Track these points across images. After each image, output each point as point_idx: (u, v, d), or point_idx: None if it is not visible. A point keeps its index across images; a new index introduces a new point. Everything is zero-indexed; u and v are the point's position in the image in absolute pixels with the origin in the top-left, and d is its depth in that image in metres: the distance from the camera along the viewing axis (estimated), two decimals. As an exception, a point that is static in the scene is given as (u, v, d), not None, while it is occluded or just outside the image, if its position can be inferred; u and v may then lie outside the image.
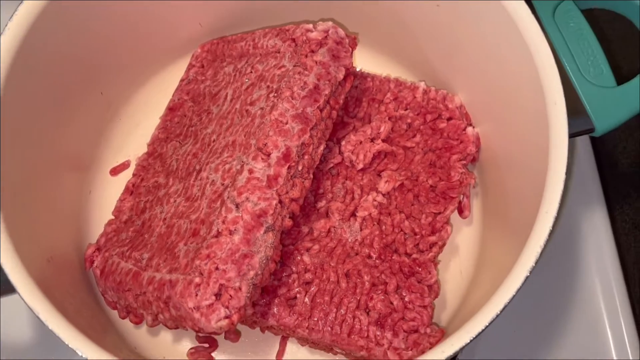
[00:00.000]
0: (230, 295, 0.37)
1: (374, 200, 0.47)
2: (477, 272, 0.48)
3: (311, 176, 0.43)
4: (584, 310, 0.54)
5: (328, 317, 0.43)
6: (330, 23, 0.44)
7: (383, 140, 0.48)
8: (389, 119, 0.49)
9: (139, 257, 0.43)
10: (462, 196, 0.48)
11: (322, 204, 0.47)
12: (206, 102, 0.49)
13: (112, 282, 0.44)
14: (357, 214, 0.46)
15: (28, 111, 0.44)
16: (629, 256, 0.57)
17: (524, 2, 0.41)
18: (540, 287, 0.53)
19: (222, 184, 0.41)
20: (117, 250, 0.46)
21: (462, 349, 0.36)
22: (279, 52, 0.46)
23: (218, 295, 0.37)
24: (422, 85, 0.50)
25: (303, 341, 0.47)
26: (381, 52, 0.54)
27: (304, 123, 0.41)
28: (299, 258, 0.45)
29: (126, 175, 0.52)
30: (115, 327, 0.48)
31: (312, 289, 0.44)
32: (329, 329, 0.43)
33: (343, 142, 0.48)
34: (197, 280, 0.37)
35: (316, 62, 0.43)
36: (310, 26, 0.44)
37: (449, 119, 0.49)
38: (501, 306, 0.37)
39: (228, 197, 0.40)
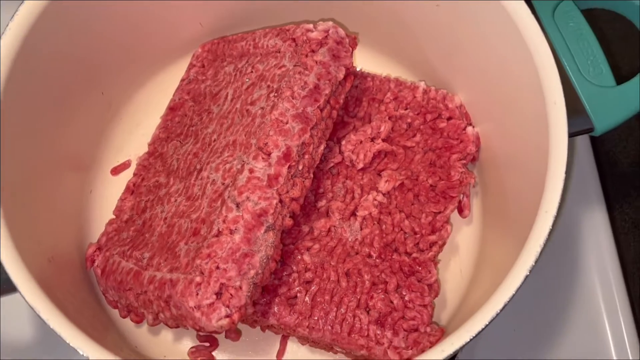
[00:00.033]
0: (231, 294, 0.37)
1: (374, 199, 0.47)
2: (477, 271, 0.48)
3: (311, 176, 0.43)
4: (584, 310, 0.54)
5: (328, 316, 0.43)
6: (330, 23, 0.44)
7: (383, 140, 0.48)
8: (389, 118, 0.49)
9: (139, 257, 0.44)
10: (462, 195, 0.48)
11: (322, 203, 0.47)
12: (207, 102, 0.49)
13: (113, 281, 0.44)
14: (357, 214, 0.47)
15: (29, 111, 0.44)
16: (629, 255, 0.57)
17: (524, 2, 0.41)
18: (539, 287, 0.53)
19: (223, 184, 0.41)
20: (118, 250, 0.46)
21: (462, 347, 0.36)
22: (279, 52, 0.46)
23: (219, 294, 0.37)
24: (422, 85, 0.50)
25: (303, 340, 0.47)
26: (381, 52, 0.54)
27: (304, 123, 0.41)
28: (299, 257, 0.45)
29: (127, 175, 0.52)
30: (116, 326, 0.48)
31: (313, 288, 0.44)
32: (330, 328, 0.43)
33: (343, 142, 0.48)
34: (197, 279, 0.37)
35: (316, 62, 0.43)
36: (311, 26, 0.44)
37: (449, 118, 0.49)
38: (501, 305, 0.37)
39: (229, 197, 0.40)
